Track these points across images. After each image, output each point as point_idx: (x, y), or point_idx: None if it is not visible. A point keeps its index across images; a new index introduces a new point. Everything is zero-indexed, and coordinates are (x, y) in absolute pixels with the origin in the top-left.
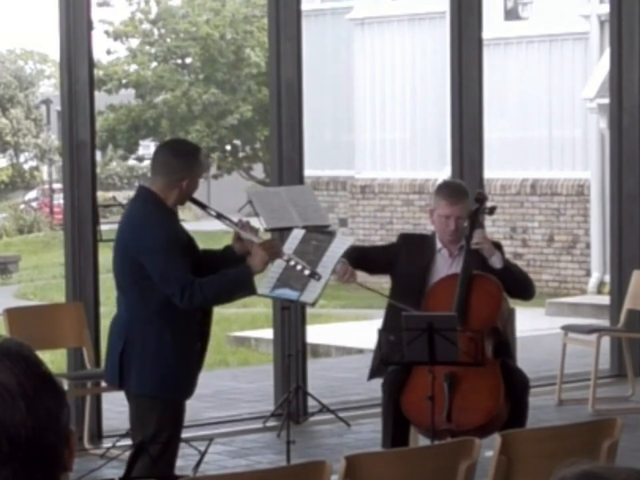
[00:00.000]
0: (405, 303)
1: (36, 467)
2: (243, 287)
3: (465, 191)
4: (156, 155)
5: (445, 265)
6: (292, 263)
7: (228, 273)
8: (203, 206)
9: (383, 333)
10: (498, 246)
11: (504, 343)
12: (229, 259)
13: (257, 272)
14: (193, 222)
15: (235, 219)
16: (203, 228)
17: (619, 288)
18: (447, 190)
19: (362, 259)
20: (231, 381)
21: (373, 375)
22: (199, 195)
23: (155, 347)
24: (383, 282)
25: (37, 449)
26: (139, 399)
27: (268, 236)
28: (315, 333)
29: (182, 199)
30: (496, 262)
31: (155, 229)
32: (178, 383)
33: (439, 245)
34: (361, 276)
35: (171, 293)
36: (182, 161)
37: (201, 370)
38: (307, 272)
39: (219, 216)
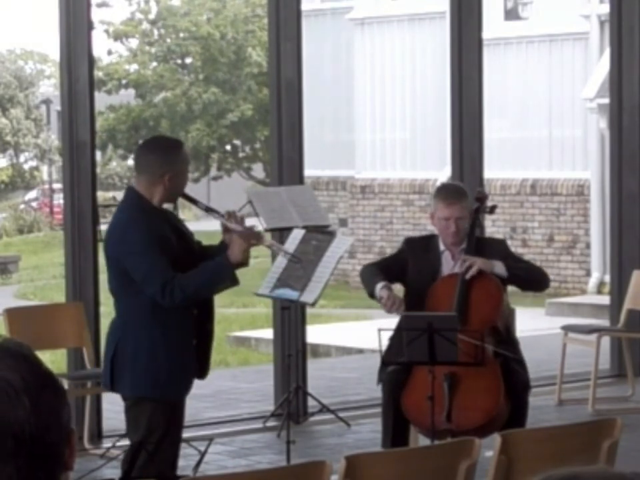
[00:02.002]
0: (420, 308)
1: (38, 465)
2: (222, 279)
3: (464, 192)
4: (137, 154)
5: (448, 267)
6: (274, 248)
7: (207, 265)
8: (193, 201)
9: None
10: (502, 242)
11: (510, 343)
12: (223, 252)
13: (236, 261)
14: (193, 221)
15: (223, 211)
16: (203, 228)
17: (619, 288)
18: (445, 192)
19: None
20: (231, 381)
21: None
22: (199, 195)
23: (146, 347)
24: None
25: (40, 446)
26: (129, 400)
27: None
28: (315, 333)
29: (169, 195)
30: (500, 272)
31: (135, 233)
32: (168, 382)
33: (441, 246)
34: None
35: (153, 293)
36: (160, 157)
37: (203, 367)
38: (287, 256)
39: (208, 209)
